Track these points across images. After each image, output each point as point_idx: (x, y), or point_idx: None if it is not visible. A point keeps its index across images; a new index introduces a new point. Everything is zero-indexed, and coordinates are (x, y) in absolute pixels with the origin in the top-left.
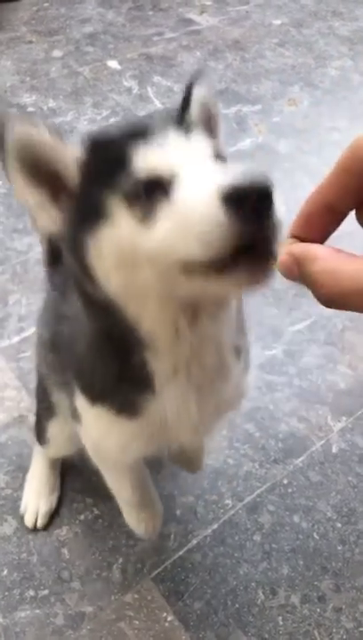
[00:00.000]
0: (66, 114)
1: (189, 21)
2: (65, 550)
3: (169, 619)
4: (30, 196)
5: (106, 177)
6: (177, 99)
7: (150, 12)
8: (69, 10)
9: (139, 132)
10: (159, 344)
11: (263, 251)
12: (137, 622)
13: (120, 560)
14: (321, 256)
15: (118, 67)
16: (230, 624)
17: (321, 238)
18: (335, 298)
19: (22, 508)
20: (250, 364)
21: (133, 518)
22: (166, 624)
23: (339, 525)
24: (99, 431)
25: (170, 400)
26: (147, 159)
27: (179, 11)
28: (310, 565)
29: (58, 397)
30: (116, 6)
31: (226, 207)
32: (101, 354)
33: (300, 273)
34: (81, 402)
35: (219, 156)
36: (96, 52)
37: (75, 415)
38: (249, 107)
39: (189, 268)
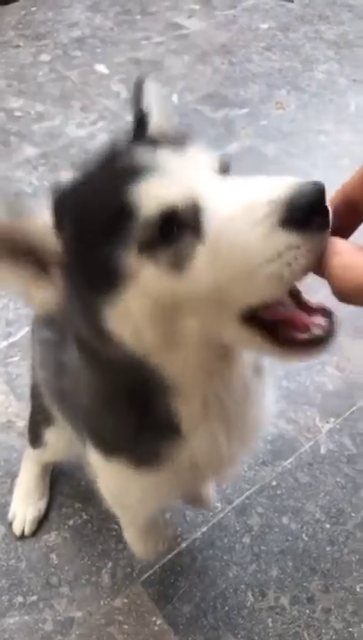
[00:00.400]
0: (54, 118)
1: (177, 25)
2: (54, 555)
3: (158, 622)
4: (14, 279)
5: (108, 232)
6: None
7: (138, 17)
8: (57, 14)
9: (128, 167)
10: (187, 387)
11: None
12: (126, 627)
13: (109, 564)
14: (340, 250)
15: (106, 71)
16: (220, 627)
17: (345, 234)
18: (351, 293)
19: (10, 515)
20: (269, 381)
21: (137, 541)
22: (156, 628)
23: (328, 526)
24: (118, 487)
25: (200, 442)
26: (153, 193)
27: (167, 15)
28: (299, 567)
29: (47, 434)
30: (103, 10)
31: (290, 228)
32: (114, 406)
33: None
34: (95, 457)
35: (223, 169)
36: (84, 57)
37: (89, 466)
38: (236, 110)
39: (250, 312)
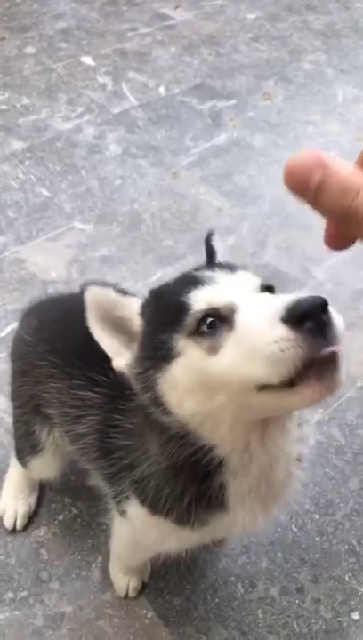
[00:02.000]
0: (40, 111)
1: (164, 16)
2: (43, 551)
3: (149, 615)
4: (107, 343)
5: (170, 321)
6: (152, 94)
7: (124, 7)
8: (42, 5)
9: (191, 280)
10: (234, 465)
11: (330, 364)
12: (117, 620)
13: (99, 559)
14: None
15: (92, 63)
16: (210, 618)
17: None
18: None
19: (0, 511)
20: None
21: (120, 574)
22: (146, 621)
23: (317, 517)
24: (153, 535)
25: (239, 515)
26: (203, 299)
27: (153, 5)
28: (288, 557)
29: (42, 434)
30: (89, 1)
31: (287, 325)
32: (171, 481)
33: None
34: (137, 510)
35: (267, 287)
36: (70, 48)
37: (118, 509)
38: (224, 102)
39: (263, 387)
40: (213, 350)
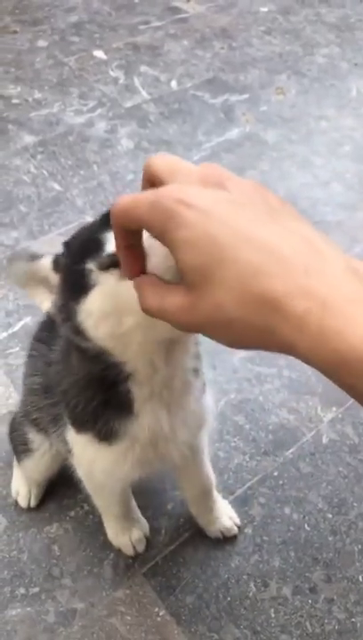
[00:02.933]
0: (52, 105)
1: (176, 9)
2: (55, 547)
3: (161, 613)
4: (34, 296)
5: (85, 257)
6: (164, 88)
7: (136, 1)
8: None
9: (106, 222)
10: (140, 377)
11: None
12: (129, 618)
13: (111, 556)
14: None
15: (104, 56)
16: (222, 617)
17: None
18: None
19: (14, 492)
20: (206, 384)
21: (119, 532)
22: (158, 619)
23: (330, 516)
24: (87, 458)
25: (146, 420)
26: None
27: None
28: (301, 557)
29: (34, 437)
30: None
31: None
32: (87, 389)
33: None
34: (71, 434)
35: None
36: (82, 42)
37: (67, 450)
38: (237, 96)
39: None
40: (121, 280)
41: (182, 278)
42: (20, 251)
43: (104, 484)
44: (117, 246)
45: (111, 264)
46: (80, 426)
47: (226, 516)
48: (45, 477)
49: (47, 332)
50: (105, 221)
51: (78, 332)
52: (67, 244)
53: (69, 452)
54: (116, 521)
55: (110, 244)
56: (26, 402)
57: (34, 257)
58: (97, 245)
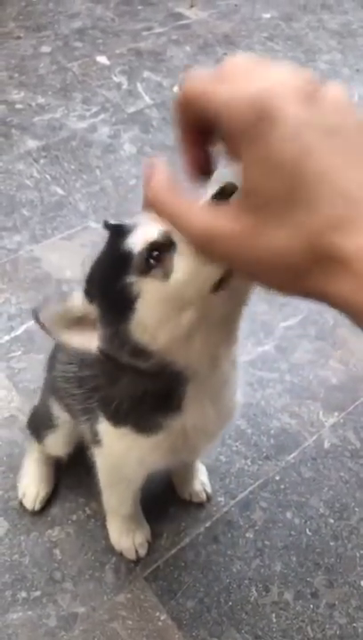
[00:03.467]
0: (55, 110)
1: (179, 15)
2: (57, 551)
3: (162, 618)
4: (77, 343)
5: (118, 274)
6: (166, 94)
7: (139, 7)
8: (58, 5)
9: (119, 235)
10: (200, 377)
11: None
12: (130, 622)
13: (113, 560)
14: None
15: (107, 62)
16: (224, 622)
17: None
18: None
19: (20, 493)
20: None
21: (123, 536)
22: (160, 623)
23: (331, 521)
24: (121, 448)
25: (193, 414)
26: (138, 239)
27: (168, 5)
28: (302, 562)
29: (59, 414)
30: (104, 1)
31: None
32: (134, 392)
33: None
34: (104, 426)
35: None
36: (85, 48)
37: (94, 440)
38: None
39: (216, 286)
40: (166, 275)
41: (247, 196)
42: (46, 297)
43: (130, 475)
44: (180, 138)
45: (147, 264)
46: (117, 419)
47: (198, 480)
48: (65, 452)
49: None
50: (116, 233)
51: (137, 352)
52: (88, 279)
53: (96, 443)
54: (123, 522)
55: (135, 246)
56: (56, 385)
57: (63, 297)
58: (122, 257)
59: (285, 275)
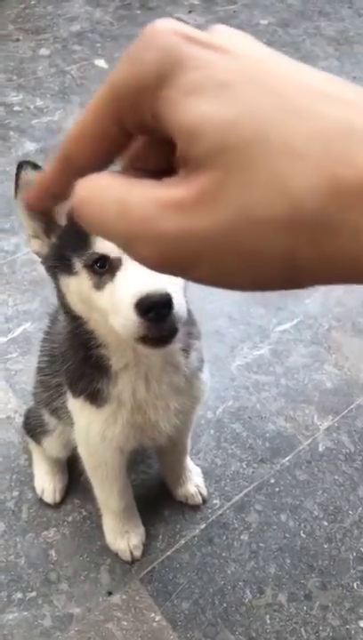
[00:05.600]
0: (53, 113)
1: (177, 20)
2: (53, 552)
3: (157, 619)
4: (29, 225)
5: (77, 245)
6: None
7: (138, 11)
8: (57, 8)
9: None
10: (112, 349)
11: (161, 339)
12: (125, 623)
13: (108, 561)
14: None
15: (106, 66)
16: (218, 623)
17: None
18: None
19: (39, 491)
20: (204, 360)
21: (117, 536)
22: (154, 624)
23: (325, 524)
24: (83, 423)
25: (123, 386)
26: (103, 244)
27: (167, 10)
28: (296, 564)
29: (49, 419)
30: (103, 5)
31: (138, 313)
32: (73, 346)
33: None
34: (70, 401)
35: None
36: (83, 51)
37: (69, 419)
38: None
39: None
40: (98, 286)
41: (187, 157)
42: (35, 162)
43: (100, 450)
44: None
45: (93, 265)
46: (73, 387)
47: (192, 483)
48: (64, 455)
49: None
50: None
51: (60, 291)
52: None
53: (72, 424)
54: (117, 522)
55: (98, 245)
56: (38, 388)
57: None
58: (87, 243)
59: (282, 246)
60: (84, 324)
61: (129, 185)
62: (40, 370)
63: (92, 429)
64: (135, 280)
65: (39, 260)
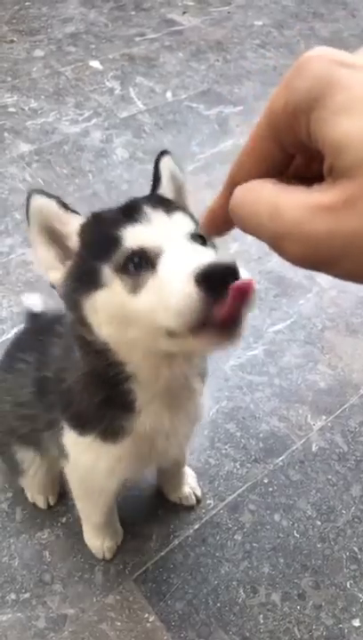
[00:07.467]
0: (47, 114)
1: (172, 22)
2: (46, 553)
3: (151, 619)
4: (43, 253)
5: (102, 251)
6: (159, 99)
7: (133, 12)
8: (51, 9)
9: (129, 213)
10: (142, 379)
11: (229, 322)
12: (119, 623)
13: (102, 562)
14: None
15: (100, 67)
16: (212, 623)
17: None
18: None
19: (30, 498)
20: (206, 387)
21: (93, 536)
22: (148, 624)
23: (319, 523)
24: (88, 460)
25: (147, 418)
26: (135, 237)
27: (161, 11)
28: (290, 563)
29: (23, 456)
30: (98, 6)
31: (199, 286)
32: (90, 387)
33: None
34: (70, 437)
35: (199, 236)
36: (78, 52)
37: (62, 454)
38: (231, 108)
39: (170, 332)
40: (135, 289)
41: (335, 167)
42: (45, 190)
43: (101, 486)
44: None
45: (125, 266)
46: (83, 426)
47: (187, 485)
48: (47, 488)
49: (32, 338)
50: (125, 214)
51: (83, 323)
52: (86, 226)
53: (64, 457)
54: (96, 529)
55: (128, 240)
56: (8, 421)
57: (65, 206)
58: (113, 243)
59: None
60: (112, 357)
61: (280, 190)
62: (19, 405)
63: (99, 467)
64: (187, 258)
65: (56, 291)
